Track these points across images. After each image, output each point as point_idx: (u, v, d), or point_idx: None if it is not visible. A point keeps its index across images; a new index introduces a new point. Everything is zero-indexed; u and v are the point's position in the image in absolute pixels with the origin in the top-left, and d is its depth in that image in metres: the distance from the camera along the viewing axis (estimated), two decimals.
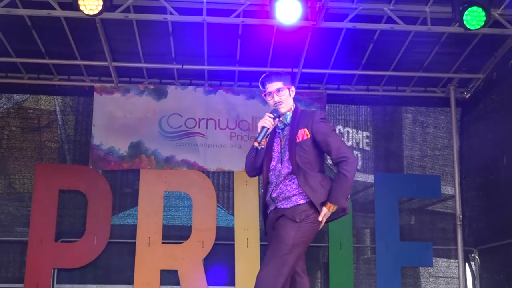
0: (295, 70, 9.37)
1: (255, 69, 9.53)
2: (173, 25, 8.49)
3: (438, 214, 10.19)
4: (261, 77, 4.62)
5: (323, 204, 4.35)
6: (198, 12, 7.87)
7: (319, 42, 8.75)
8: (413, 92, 10.12)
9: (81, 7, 6.59)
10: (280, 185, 4.46)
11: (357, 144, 10.18)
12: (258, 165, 4.64)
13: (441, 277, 10.01)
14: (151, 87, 9.82)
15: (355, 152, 10.12)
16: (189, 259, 9.25)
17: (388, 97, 10.18)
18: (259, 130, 4.50)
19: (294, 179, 4.41)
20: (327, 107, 9.99)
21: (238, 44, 8.93)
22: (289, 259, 4.23)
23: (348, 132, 10.21)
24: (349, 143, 10.13)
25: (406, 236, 9.82)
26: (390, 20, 8.06)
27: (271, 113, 4.47)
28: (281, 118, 4.54)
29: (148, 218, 9.33)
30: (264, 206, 4.65)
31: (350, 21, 7.96)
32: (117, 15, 7.78)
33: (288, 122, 4.54)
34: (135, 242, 9.22)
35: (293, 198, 4.40)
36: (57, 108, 9.96)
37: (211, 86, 9.90)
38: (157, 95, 9.80)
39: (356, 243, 9.81)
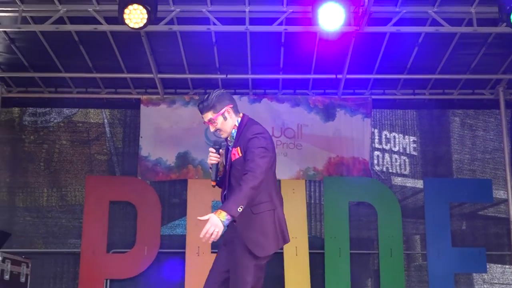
0: (339, 76, 9.33)
1: (299, 76, 9.57)
2: (216, 35, 8.56)
3: (490, 219, 9.95)
4: (198, 104, 4.43)
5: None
6: (241, 21, 7.92)
7: (363, 47, 8.69)
8: (460, 94, 9.94)
9: (127, 21, 6.70)
10: None
11: (404, 149, 10.04)
12: None
13: (496, 283, 9.76)
14: (197, 97, 9.89)
15: (403, 158, 10.00)
16: None
17: (435, 101, 10.02)
18: (209, 167, 4.37)
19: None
20: (372, 112, 9.88)
21: (282, 52, 8.94)
22: None
23: (394, 137, 10.08)
24: (396, 148, 10.01)
25: (458, 242, 9.62)
26: (434, 23, 7.94)
27: (212, 147, 4.36)
28: (228, 138, 4.42)
29: (197, 228, 9.13)
30: None
31: (394, 25, 7.87)
32: (161, 27, 7.89)
33: (234, 138, 4.41)
34: (184, 252, 9.28)
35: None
36: (105, 121, 10.14)
37: (256, 94, 9.93)
38: None
39: (406, 250, 9.65)
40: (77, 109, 10.15)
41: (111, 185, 9.64)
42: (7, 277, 6.82)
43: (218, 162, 4.34)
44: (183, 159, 9.65)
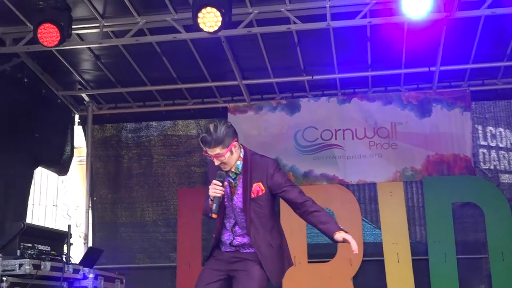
0: (432, 68, 8.76)
1: (390, 72, 9.07)
2: (298, 35, 8.23)
3: None
4: (200, 138, 4.16)
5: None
6: (322, 18, 7.54)
7: (456, 35, 8.08)
8: None
9: (201, 25, 6.52)
10: (237, 236, 4.23)
11: None
12: None
13: None
14: (284, 102, 9.62)
15: (511, 153, 9.21)
16: (337, 278, 8.82)
17: None
18: (211, 199, 4.15)
19: (245, 234, 4.20)
20: (472, 105, 9.18)
21: (368, 47, 8.48)
22: None
23: (500, 133, 9.29)
24: (502, 144, 9.23)
25: None
26: None
27: (217, 180, 4.12)
28: (232, 169, 4.20)
29: (292, 237, 8.93)
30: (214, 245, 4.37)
31: (488, 7, 7.20)
32: (240, 30, 7.68)
33: (240, 171, 4.22)
34: None
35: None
36: (200, 132, 10.02)
37: (345, 95, 9.51)
38: (290, 110, 9.58)
39: None
40: (171, 121, 10.12)
41: (202, 197, 9.45)
42: None
43: (222, 195, 4.17)
44: None
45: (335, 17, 7.54)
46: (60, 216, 15.50)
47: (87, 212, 9.58)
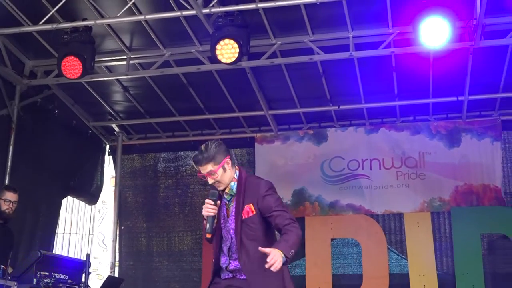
0: (460, 98, 8.63)
1: (417, 101, 8.99)
2: (323, 65, 8.25)
3: None
4: (192, 158, 4.19)
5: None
6: (345, 48, 7.56)
7: (484, 64, 7.99)
8: None
9: (219, 57, 6.61)
10: (232, 259, 4.13)
11: None
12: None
13: None
14: (311, 132, 9.61)
15: None
16: None
17: None
18: (204, 219, 4.08)
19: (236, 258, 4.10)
20: (503, 135, 9.00)
21: (394, 77, 8.44)
22: None
23: None
24: None
25: None
26: None
27: (210, 199, 4.07)
28: (226, 191, 4.16)
29: (317, 268, 8.97)
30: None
31: None
32: (263, 61, 7.76)
33: (234, 192, 4.16)
34: None
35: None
36: None
37: (372, 124, 9.46)
38: (317, 140, 9.56)
39: None
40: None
41: None
42: None
43: (215, 215, 4.12)
44: (299, 196, 9.34)
45: (358, 47, 7.56)
46: (95, 245, 15.71)
47: (114, 241, 9.68)
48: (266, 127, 9.73)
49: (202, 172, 4.08)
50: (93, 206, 12.30)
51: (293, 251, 3.88)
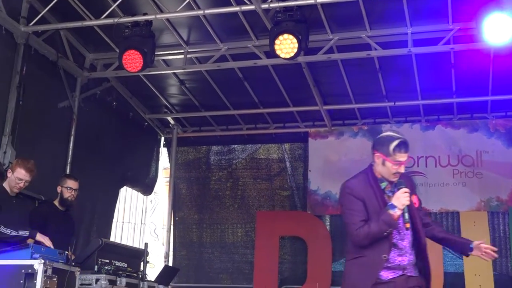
0: None
1: (476, 99, 8.83)
2: (379, 61, 8.19)
3: None
4: (398, 141, 3.96)
5: None
6: (403, 44, 7.48)
7: None
8: None
9: (278, 52, 6.63)
10: (407, 252, 3.94)
11: None
12: None
13: None
14: (365, 127, 9.56)
15: None
16: None
17: None
18: (399, 208, 3.81)
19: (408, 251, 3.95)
20: None
21: (452, 73, 8.31)
22: None
23: None
24: None
25: None
26: None
27: (404, 187, 3.88)
28: (395, 181, 4.01)
29: None
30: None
31: None
32: (320, 57, 7.75)
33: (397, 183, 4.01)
34: None
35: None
36: (286, 156, 10.09)
37: (428, 121, 9.34)
38: (372, 136, 9.44)
39: None
40: (253, 145, 10.27)
41: (281, 220, 9.56)
42: None
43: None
44: None
45: (417, 43, 7.45)
46: (147, 234, 15.98)
47: (169, 231, 9.85)
48: (320, 122, 9.72)
49: (401, 159, 3.95)
50: (145, 196, 12.52)
51: None
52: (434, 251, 8.60)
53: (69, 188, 6.33)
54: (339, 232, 9.43)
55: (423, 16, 7.29)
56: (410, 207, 3.89)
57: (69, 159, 8.02)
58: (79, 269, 5.10)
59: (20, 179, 5.69)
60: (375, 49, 7.59)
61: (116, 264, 5.56)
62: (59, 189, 6.34)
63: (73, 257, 5.55)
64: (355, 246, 3.92)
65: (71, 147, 8.06)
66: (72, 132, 8.12)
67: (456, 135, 9.17)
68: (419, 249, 3.97)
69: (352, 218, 3.90)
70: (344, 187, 4.04)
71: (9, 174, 5.74)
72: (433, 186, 9.04)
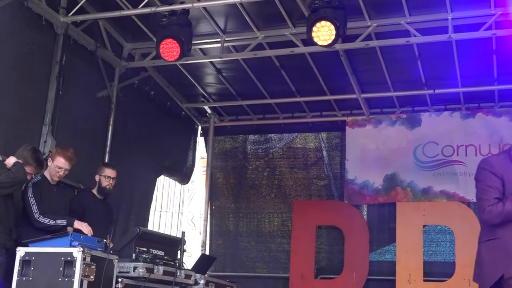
0: None
1: None
2: (419, 48, 8.03)
3: None
4: None
5: None
6: (444, 30, 7.31)
7: None
8: None
9: (315, 39, 6.54)
10: None
11: None
12: None
13: None
14: (403, 116, 9.42)
15: None
16: None
17: None
18: None
19: None
20: None
21: (494, 60, 8.10)
22: None
23: None
24: None
25: None
26: None
27: None
28: None
29: (407, 254, 8.82)
30: None
31: None
32: (358, 44, 7.63)
33: None
34: (394, 280, 8.76)
35: None
36: (322, 145, 10.02)
37: (469, 109, 9.15)
38: (410, 124, 9.36)
39: None
40: (290, 134, 10.22)
41: (318, 210, 9.52)
42: None
43: None
44: (391, 181, 9.19)
45: (457, 29, 7.29)
46: (184, 223, 16.09)
47: (206, 220, 9.89)
48: (357, 111, 9.61)
49: None
50: (183, 185, 12.59)
51: None
52: (474, 241, 8.30)
53: (107, 176, 6.41)
54: (376, 222, 9.37)
55: (464, 1, 7.11)
56: None
57: (108, 148, 8.10)
58: (117, 257, 5.14)
59: (60, 168, 5.78)
60: (414, 36, 7.44)
61: (154, 253, 5.58)
62: (97, 177, 6.43)
63: (111, 245, 5.63)
64: (487, 226, 3.91)
65: (109, 136, 8.15)
66: (111, 122, 8.20)
67: (497, 123, 8.96)
68: None
69: (486, 194, 3.87)
70: (482, 162, 4.02)
71: (49, 163, 5.84)
72: (473, 175, 8.77)
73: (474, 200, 8.77)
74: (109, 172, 6.45)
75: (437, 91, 8.84)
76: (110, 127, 8.17)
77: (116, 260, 5.13)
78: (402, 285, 8.69)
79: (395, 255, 8.93)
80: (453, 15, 7.21)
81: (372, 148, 9.44)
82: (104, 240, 5.38)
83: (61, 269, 4.73)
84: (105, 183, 6.41)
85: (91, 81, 7.97)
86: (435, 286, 8.63)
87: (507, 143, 8.79)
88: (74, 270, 4.70)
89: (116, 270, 5.12)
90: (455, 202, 8.86)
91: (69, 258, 4.73)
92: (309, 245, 9.32)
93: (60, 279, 4.73)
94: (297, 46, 7.86)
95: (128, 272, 5.23)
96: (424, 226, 8.94)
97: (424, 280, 8.65)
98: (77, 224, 5.59)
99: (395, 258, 8.91)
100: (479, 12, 7.21)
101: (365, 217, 9.35)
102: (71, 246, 4.86)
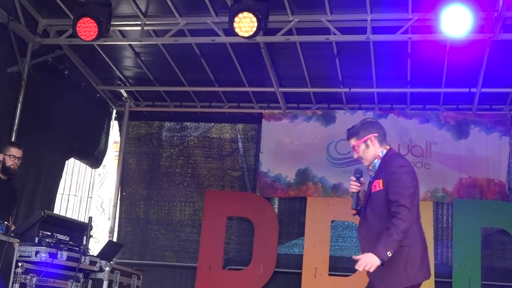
0: (472, 90, 8.57)
1: (429, 90, 8.94)
2: (338, 46, 8.17)
3: None
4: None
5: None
6: (363, 30, 7.46)
7: (499, 57, 7.91)
8: None
9: (236, 30, 6.54)
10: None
11: None
12: None
13: None
14: (319, 112, 9.57)
15: None
16: None
17: None
18: (351, 195, 4.36)
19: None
20: None
21: (408, 63, 8.36)
22: None
23: None
24: None
25: None
26: None
27: (353, 175, 4.34)
28: (370, 167, 4.33)
29: (315, 248, 8.98)
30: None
31: None
32: (278, 38, 7.67)
33: (376, 169, 4.29)
34: (301, 273, 8.90)
35: None
36: (238, 136, 10.00)
37: (382, 110, 9.40)
38: (325, 121, 9.52)
39: None
40: (206, 123, 10.15)
41: (230, 200, 9.52)
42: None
43: (359, 191, 4.31)
44: (303, 176, 9.32)
45: (375, 30, 7.45)
46: (93, 209, 15.73)
47: (115, 206, 9.69)
48: (274, 104, 9.67)
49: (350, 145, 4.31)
50: (94, 169, 12.29)
51: (390, 252, 3.89)
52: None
53: (12, 156, 6.14)
54: (286, 215, 9.48)
55: (383, 4, 7.29)
56: (368, 194, 4.15)
57: (15, 127, 7.75)
58: (18, 241, 4.94)
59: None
60: (334, 34, 7.55)
61: (58, 237, 5.41)
62: (1, 156, 6.15)
63: (13, 228, 5.39)
64: None
65: (18, 114, 7.79)
66: (20, 99, 7.83)
67: (407, 125, 9.25)
68: (362, 227, 4.27)
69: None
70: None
71: None
72: None
73: None
74: (15, 151, 6.18)
75: (352, 89, 9.04)
76: (19, 105, 7.81)
77: (17, 244, 4.94)
78: (307, 278, 8.84)
79: (303, 248, 9.07)
80: (372, 16, 7.37)
81: (287, 142, 9.53)
82: (6, 222, 5.15)
83: None
84: (10, 162, 6.13)
85: (1, 55, 7.60)
86: (340, 280, 8.81)
87: (415, 145, 9.13)
88: None
89: (16, 254, 4.93)
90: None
91: None
92: (219, 236, 9.31)
93: None
94: (218, 35, 7.80)
95: (29, 257, 5.05)
96: (332, 221, 9.12)
97: (329, 275, 8.84)
98: None
99: (302, 252, 9.05)
100: (397, 16, 7.42)
101: (276, 210, 9.44)
102: None
